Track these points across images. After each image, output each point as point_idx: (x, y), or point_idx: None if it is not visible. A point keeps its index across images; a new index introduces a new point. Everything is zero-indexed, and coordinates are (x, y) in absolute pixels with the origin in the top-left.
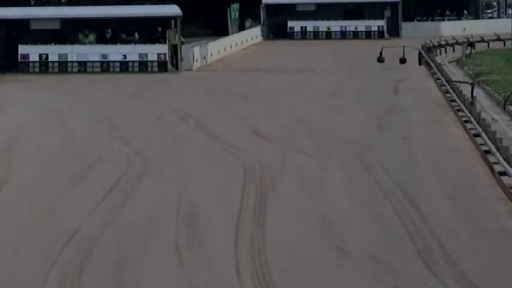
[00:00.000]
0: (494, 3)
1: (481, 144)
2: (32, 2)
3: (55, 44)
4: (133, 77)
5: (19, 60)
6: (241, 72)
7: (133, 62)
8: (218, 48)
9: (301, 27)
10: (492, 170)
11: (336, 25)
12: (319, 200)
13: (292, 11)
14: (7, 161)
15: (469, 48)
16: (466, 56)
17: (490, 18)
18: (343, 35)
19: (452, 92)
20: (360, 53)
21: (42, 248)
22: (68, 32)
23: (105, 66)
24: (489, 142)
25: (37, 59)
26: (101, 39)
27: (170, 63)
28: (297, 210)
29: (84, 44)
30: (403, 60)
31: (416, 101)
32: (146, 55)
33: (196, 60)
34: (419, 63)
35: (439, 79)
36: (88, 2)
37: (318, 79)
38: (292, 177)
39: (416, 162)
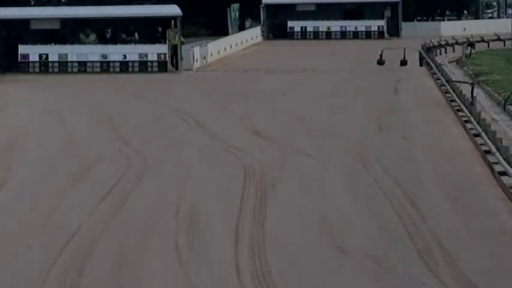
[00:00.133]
0: (494, 3)
1: (481, 144)
2: (32, 2)
3: (55, 44)
4: (133, 77)
5: (19, 60)
6: (241, 72)
7: (133, 62)
8: (218, 48)
9: (301, 27)
10: (492, 170)
11: (336, 25)
12: (319, 200)
13: (292, 11)
14: (7, 161)
15: (469, 48)
16: (466, 56)
17: (490, 18)
18: (343, 35)
19: (452, 92)
20: (360, 53)
21: (42, 248)
22: (68, 32)
23: (105, 66)
24: (489, 142)
25: (37, 59)
26: (101, 39)
27: (170, 63)
28: (297, 210)
29: (85, 43)
30: (403, 62)
31: (416, 101)
32: (146, 55)
33: (196, 60)
34: (420, 65)
35: (439, 79)
36: (88, 2)
37: (318, 79)
38: (292, 177)
39: (416, 162)
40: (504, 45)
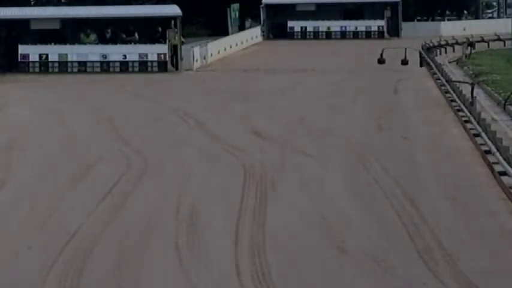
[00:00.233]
0: (494, 3)
1: (481, 144)
2: (32, 2)
3: (55, 44)
4: (133, 77)
5: (19, 60)
6: (241, 72)
7: (133, 62)
8: (218, 48)
9: (301, 27)
10: (492, 170)
11: (336, 25)
12: (319, 200)
13: (292, 11)
14: (7, 161)
15: (469, 48)
16: (466, 56)
17: (490, 18)
18: (343, 35)
19: (452, 92)
20: (360, 53)
21: (42, 248)
22: (68, 32)
23: (105, 66)
24: (489, 142)
25: (37, 59)
26: (101, 39)
27: (170, 63)
28: (297, 210)
29: (85, 43)
30: (405, 62)
31: (416, 101)
32: (146, 55)
33: (196, 60)
34: (421, 65)
35: (439, 79)
36: (88, 2)
37: (318, 79)
38: (292, 177)
39: (416, 162)
40: (504, 45)
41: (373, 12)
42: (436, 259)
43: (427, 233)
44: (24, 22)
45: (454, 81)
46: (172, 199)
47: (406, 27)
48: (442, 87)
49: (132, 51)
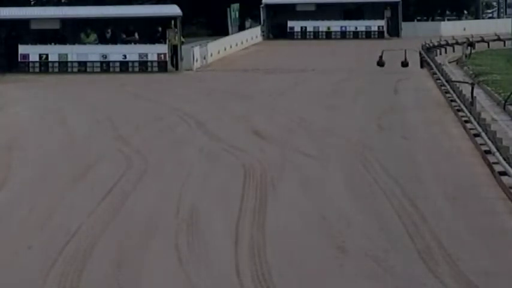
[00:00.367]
0: (494, 3)
1: (481, 144)
2: (32, 2)
3: (55, 44)
4: (133, 77)
5: (19, 60)
6: (241, 72)
7: (133, 62)
8: (218, 48)
9: (301, 27)
10: (492, 170)
11: (336, 25)
12: (319, 200)
13: (292, 11)
14: (7, 161)
15: (469, 48)
16: (466, 56)
17: (490, 18)
18: (343, 35)
19: (452, 92)
20: (360, 53)
21: (42, 248)
22: (68, 32)
23: (105, 66)
24: (489, 142)
25: (37, 59)
26: (101, 39)
27: (170, 63)
28: (297, 210)
29: (85, 43)
30: (405, 64)
31: (416, 101)
32: (146, 55)
33: (196, 60)
34: (421, 67)
35: (439, 79)
36: (88, 2)
37: (318, 79)
38: (292, 177)
39: (416, 162)
40: (504, 45)
41: (373, 12)
42: (436, 259)
43: (427, 233)
44: (24, 22)
45: (454, 81)
46: (172, 199)
47: (406, 27)
48: (442, 87)
49: (132, 51)
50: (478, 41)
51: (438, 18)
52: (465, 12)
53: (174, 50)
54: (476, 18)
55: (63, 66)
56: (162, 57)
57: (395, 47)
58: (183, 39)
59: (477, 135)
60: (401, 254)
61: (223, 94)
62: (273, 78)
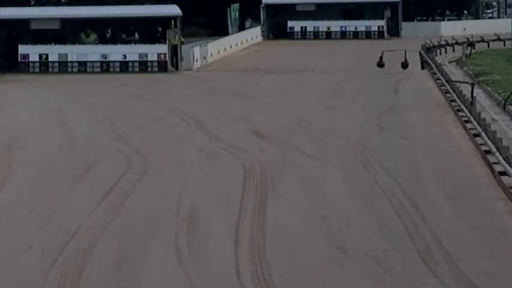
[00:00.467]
0: (494, 3)
1: (481, 144)
2: (32, 2)
3: (55, 44)
4: (133, 77)
5: (19, 60)
6: (241, 72)
7: (133, 62)
8: (218, 48)
9: (301, 27)
10: (492, 170)
11: (336, 25)
12: (319, 199)
13: (292, 11)
14: (7, 161)
15: (469, 48)
16: (466, 56)
17: (490, 18)
18: (343, 35)
19: (452, 92)
20: (360, 53)
21: (42, 248)
22: (68, 32)
23: (105, 66)
24: (489, 142)
25: (37, 59)
26: (101, 39)
27: (170, 63)
28: (297, 210)
29: (85, 43)
30: (405, 65)
31: (416, 101)
32: (146, 55)
33: (196, 60)
34: (422, 68)
35: (439, 79)
36: (88, 2)
37: (318, 79)
38: (292, 177)
39: (416, 162)
40: (504, 45)
41: (373, 12)
42: (436, 259)
43: (427, 233)
44: (24, 22)
45: (454, 81)
46: (172, 199)
47: (406, 27)
48: (442, 87)
49: (132, 51)
50: (478, 41)
51: (438, 18)
52: (465, 12)
53: (174, 50)
54: (476, 18)
55: (63, 66)
56: (162, 57)
57: (396, 47)
58: (183, 39)
59: (477, 135)
60: (401, 254)
61: (223, 94)
62: (273, 78)
